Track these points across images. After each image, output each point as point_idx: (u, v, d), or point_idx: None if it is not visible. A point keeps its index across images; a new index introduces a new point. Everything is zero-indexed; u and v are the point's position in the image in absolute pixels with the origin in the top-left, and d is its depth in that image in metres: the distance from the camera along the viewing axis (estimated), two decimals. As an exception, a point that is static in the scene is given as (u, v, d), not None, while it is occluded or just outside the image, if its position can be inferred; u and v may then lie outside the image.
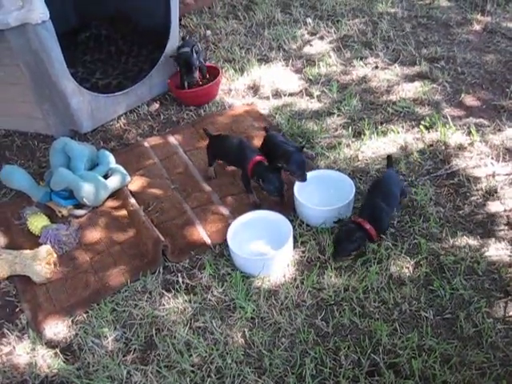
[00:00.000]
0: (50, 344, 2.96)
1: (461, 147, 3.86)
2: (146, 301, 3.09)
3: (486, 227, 3.28)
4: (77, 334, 2.98)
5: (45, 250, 3.33)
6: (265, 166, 3.46)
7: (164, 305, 3.06)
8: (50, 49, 3.83)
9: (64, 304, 3.14)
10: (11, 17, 3.58)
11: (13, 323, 3.09)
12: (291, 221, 3.32)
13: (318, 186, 3.51)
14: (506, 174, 3.61)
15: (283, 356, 2.77)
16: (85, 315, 3.07)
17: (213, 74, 4.63)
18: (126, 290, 3.16)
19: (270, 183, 3.41)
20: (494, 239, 3.20)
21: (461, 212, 3.40)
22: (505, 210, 3.37)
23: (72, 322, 3.05)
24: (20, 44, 3.79)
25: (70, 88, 4.09)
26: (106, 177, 3.76)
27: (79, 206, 3.69)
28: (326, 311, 2.95)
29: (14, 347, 2.97)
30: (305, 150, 3.69)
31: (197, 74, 4.49)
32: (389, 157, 3.56)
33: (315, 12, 5.74)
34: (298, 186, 3.43)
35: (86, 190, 3.59)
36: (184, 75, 4.51)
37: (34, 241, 3.52)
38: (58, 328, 3.03)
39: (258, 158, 3.50)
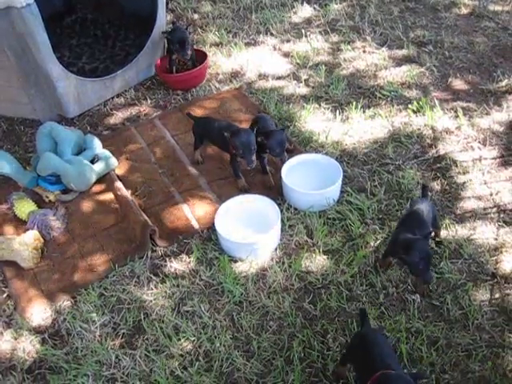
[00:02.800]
0: (38, 329, 2.96)
1: (448, 131, 3.87)
2: (134, 285, 3.09)
3: (473, 211, 3.30)
4: (65, 319, 2.97)
5: (32, 235, 3.32)
6: (249, 131, 3.42)
7: (152, 289, 3.06)
8: (35, 32, 3.77)
9: (52, 289, 3.13)
10: (-5, 0, 3.52)
11: (0, 309, 3.08)
12: (279, 205, 3.32)
13: (305, 170, 3.51)
14: (493, 158, 3.62)
15: (271, 339, 2.78)
16: (73, 300, 3.07)
17: (200, 58, 4.59)
18: (113, 275, 3.16)
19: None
20: (480, 222, 3.22)
21: (447, 196, 3.42)
22: (491, 194, 3.39)
23: (60, 307, 3.04)
24: (4, 27, 3.73)
25: (56, 72, 4.05)
26: (92, 161, 3.73)
27: (66, 190, 3.67)
28: (314, 294, 2.96)
29: (1, 333, 2.97)
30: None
31: (189, 51, 4.43)
32: (424, 187, 3.11)
33: (303, -5, 5.70)
34: (285, 170, 3.43)
35: (73, 175, 3.57)
36: (177, 52, 4.46)
37: (21, 226, 3.51)
38: (45, 313, 3.02)
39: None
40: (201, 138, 3.77)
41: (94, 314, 2.97)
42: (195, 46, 4.78)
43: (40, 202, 3.65)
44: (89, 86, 4.33)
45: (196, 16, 5.55)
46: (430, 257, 2.70)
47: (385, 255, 2.98)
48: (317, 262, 3.10)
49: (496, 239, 3.13)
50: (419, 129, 3.91)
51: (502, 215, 3.25)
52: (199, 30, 5.28)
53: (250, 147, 3.31)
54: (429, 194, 3.18)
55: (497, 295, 2.87)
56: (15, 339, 2.92)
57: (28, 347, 2.88)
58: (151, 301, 3.01)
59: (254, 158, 3.33)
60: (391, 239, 2.95)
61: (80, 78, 4.25)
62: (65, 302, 3.06)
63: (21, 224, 3.52)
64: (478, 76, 4.36)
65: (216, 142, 3.71)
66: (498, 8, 5.18)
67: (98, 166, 3.69)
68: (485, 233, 3.17)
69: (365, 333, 2.49)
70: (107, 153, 3.80)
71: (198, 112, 4.10)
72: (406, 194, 3.42)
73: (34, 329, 2.96)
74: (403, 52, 4.69)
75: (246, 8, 5.58)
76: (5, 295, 3.16)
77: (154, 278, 3.12)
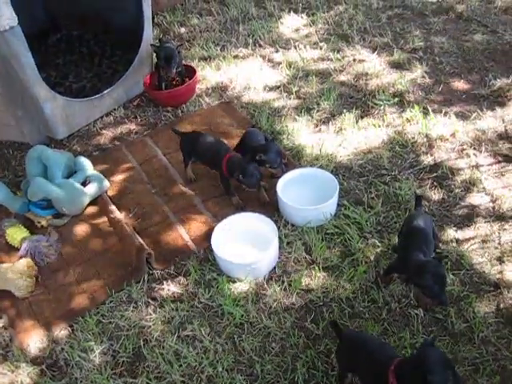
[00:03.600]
0: (36, 361, 2.90)
1: (443, 138, 3.84)
2: (132, 311, 3.03)
3: (472, 219, 3.26)
4: (62, 349, 2.91)
5: (25, 262, 3.26)
6: (240, 159, 3.39)
7: (151, 314, 3.00)
8: (20, 54, 3.72)
9: (48, 318, 3.07)
10: (-22, 24, 3.46)
11: (-5, 340, 3.02)
12: (275, 221, 3.28)
13: (300, 185, 3.46)
14: (489, 165, 3.59)
15: (274, 361, 2.73)
16: (70, 329, 3.01)
17: (189, 73, 4.54)
18: (110, 301, 3.10)
19: (250, 176, 3.32)
20: (480, 231, 3.18)
21: (445, 205, 3.38)
22: (489, 201, 3.35)
23: (57, 336, 2.98)
24: (-12, 50, 3.68)
25: (43, 94, 3.99)
26: (84, 184, 3.67)
27: (58, 215, 3.61)
28: (316, 313, 2.91)
29: (-2, 365, 2.90)
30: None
31: (174, 70, 4.38)
32: (417, 197, 3.09)
33: (290, 5, 5.67)
34: (280, 186, 3.39)
35: (65, 199, 3.51)
36: (162, 69, 4.42)
37: (13, 253, 3.45)
38: (42, 344, 2.96)
39: (232, 154, 3.45)
40: (189, 154, 3.72)
41: (93, 343, 2.91)
42: (183, 61, 4.72)
43: (32, 228, 3.58)
44: (77, 106, 4.27)
45: (183, 30, 5.51)
46: (445, 278, 2.64)
47: (388, 271, 2.92)
48: (317, 279, 3.06)
49: (497, 248, 3.09)
50: (414, 137, 3.87)
51: (502, 223, 3.21)
52: (186, 44, 5.23)
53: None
54: (422, 204, 3.13)
55: (501, 306, 2.82)
56: (12, 372, 2.86)
57: (26, 380, 2.81)
58: (150, 326, 2.95)
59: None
60: (399, 258, 2.88)
61: (67, 98, 4.19)
62: (62, 330, 3.00)
63: (13, 251, 3.46)
64: (470, 81, 4.34)
65: (204, 159, 3.66)
66: (486, 11, 5.15)
67: (90, 189, 3.63)
68: (485, 242, 3.13)
69: None
70: (99, 174, 3.74)
71: (188, 128, 4.05)
72: (404, 206, 3.38)
73: (32, 360, 2.90)
74: (393, 59, 4.66)
75: (233, 20, 5.54)
76: (0, 325, 3.09)
77: (151, 302, 3.06)
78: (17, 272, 3.18)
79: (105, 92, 4.39)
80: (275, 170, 3.47)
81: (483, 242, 3.13)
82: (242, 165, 3.33)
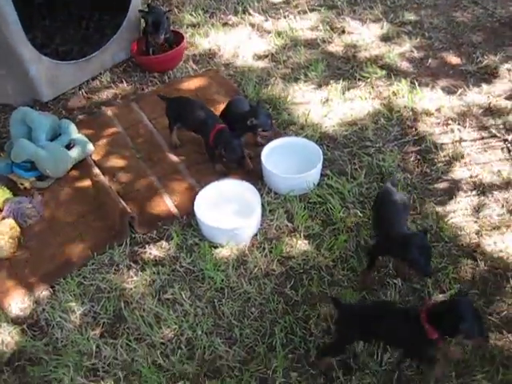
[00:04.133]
0: (17, 320, 2.92)
1: (428, 113, 3.85)
2: (114, 273, 3.05)
3: (453, 193, 3.30)
4: (44, 310, 2.93)
5: (7, 223, 3.26)
6: (228, 134, 3.41)
7: (132, 277, 3.03)
8: (5, 13, 3.67)
9: (29, 279, 3.07)
10: (-37, -20, 3.40)
11: (-23, 300, 3.03)
12: (259, 189, 3.30)
13: (285, 154, 3.47)
14: (472, 140, 3.62)
15: (253, 326, 2.77)
16: (51, 290, 3.03)
17: (177, 39, 4.50)
18: (92, 263, 3.11)
19: (232, 152, 3.36)
20: (460, 205, 3.23)
21: (428, 178, 3.42)
22: (471, 176, 3.39)
23: (38, 297, 2.99)
24: (-27, 9, 3.62)
25: (28, 54, 3.94)
26: (68, 147, 3.65)
27: (42, 177, 3.59)
28: (295, 280, 2.95)
29: (-21, 325, 2.91)
30: None
31: (162, 36, 4.36)
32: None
33: (281, -25, 5.61)
34: (265, 154, 3.40)
35: (49, 161, 3.50)
36: (150, 35, 4.40)
37: (-4, 214, 3.44)
38: (24, 304, 2.98)
39: (220, 126, 3.45)
40: (175, 120, 3.71)
41: (74, 304, 2.93)
42: (171, 27, 4.67)
43: (15, 190, 3.57)
44: (63, 69, 4.23)
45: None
46: (430, 250, 2.65)
47: (373, 253, 2.87)
48: (298, 246, 3.09)
49: (476, 222, 3.13)
50: (399, 111, 3.88)
51: (482, 197, 3.26)
52: (175, 10, 5.17)
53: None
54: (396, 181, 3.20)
55: (477, 277, 2.88)
56: (-7, 331, 2.88)
57: (6, 339, 2.83)
58: (131, 289, 2.97)
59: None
60: (381, 237, 2.88)
61: (53, 60, 4.15)
62: (43, 291, 3.01)
63: (-4, 212, 3.45)
64: (458, 56, 4.34)
65: (190, 126, 3.65)
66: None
67: (74, 152, 3.62)
68: (464, 216, 3.17)
69: None
70: (83, 138, 3.72)
71: (175, 94, 4.01)
72: (387, 177, 3.40)
73: (13, 320, 2.92)
74: (382, 32, 4.65)
75: (222, -13, 5.48)
76: (-19, 285, 3.11)
77: (133, 265, 3.08)
78: (-1, 233, 3.19)
79: (92, 55, 4.34)
80: (267, 132, 3.50)
81: (463, 215, 3.17)
82: (228, 139, 3.36)
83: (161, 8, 4.68)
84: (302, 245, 3.09)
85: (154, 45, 4.46)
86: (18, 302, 2.98)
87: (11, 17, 3.71)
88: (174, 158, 3.66)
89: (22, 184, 3.58)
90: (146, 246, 3.17)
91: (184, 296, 2.91)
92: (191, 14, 5.05)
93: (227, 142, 3.35)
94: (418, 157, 3.56)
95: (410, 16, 4.82)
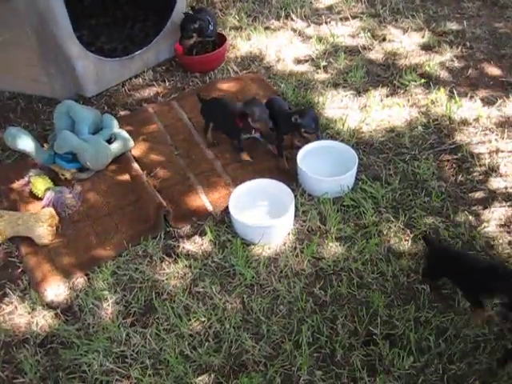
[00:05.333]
0: (51, 305, 3.00)
1: (465, 122, 3.84)
2: (147, 265, 3.12)
3: (487, 203, 3.29)
4: (77, 296, 3.01)
5: (47, 212, 3.35)
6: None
7: (164, 269, 3.09)
8: (56, 11, 3.79)
9: (65, 266, 3.17)
10: (17, -23, 3.54)
11: (15, 283, 3.13)
12: (293, 190, 3.33)
13: (321, 157, 3.51)
14: (510, 151, 3.59)
15: (281, 323, 2.81)
16: (86, 277, 3.11)
17: (220, 41, 4.58)
18: (127, 254, 3.19)
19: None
20: (494, 215, 3.21)
21: (462, 187, 3.41)
22: (506, 188, 3.37)
23: (73, 283, 3.09)
24: (26, 5, 3.75)
25: (76, 51, 4.07)
26: (109, 141, 3.75)
27: (82, 169, 3.69)
28: (325, 280, 2.97)
29: (15, 307, 3.01)
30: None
31: (188, 41, 4.46)
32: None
33: (324, -18, 5.66)
34: (301, 156, 3.44)
35: (90, 154, 3.60)
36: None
37: (37, 203, 3.54)
38: (59, 289, 3.06)
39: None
40: (207, 119, 3.82)
41: (107, 292, 3.01)
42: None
43: (56, 180, 3.67)
44: (107, 65, 4.34)
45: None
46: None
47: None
48: (329, 248, 3.11)
49: (509, 232, 3.11)
50: (437, 119, 3.88)
51: (516, 209, 3.24)
52: (219, 12, 5.26)
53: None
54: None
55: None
56: (29, 313, 2.96)
57: (41, 322, 2.92)
58: (163, 281, 3.04)
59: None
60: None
61: (99, 57, 4.27)
62: (78, 278, 3.10)
63: (37, 201, 3.55)
64: (499, 68, 4.31)
65: (220, 126, 3.78)
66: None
67: (115, 146, 3.71)
68: (498, 226, 3.15)
69: None
70: (124, 133, 3.82)
71: (215, 95, 4.11)
72: (421, 184, 3.41)
73: (48, 304, 3.00)
74: (424, 41, 4.65)
75: (266, -9, 5.55)
76: (19, 270, 3.20)
77: (166, 258, 3.15)
78: (39, 220, 3.28)
79: (135, 54, 4.45)
80: (310, 135, 3.51)
81: (496, 226, 3.16)
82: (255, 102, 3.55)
83: (206, 10, 4.75)
84: (333, 246, 3.12)
85: (197, 45, 4.54)
86: (54, 288, 3.07)
87: (61, 15, 3.84)
88: (211, 155, 3.73)
89: (63, 175, 3.69)
90: (180, 240, 3.23)
91: (214, 290, 2.96)
92: (234, 17, 5.13)
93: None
94: (454, 165, 3.55)
95: (452, 26, 4.80)
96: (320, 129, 3.62)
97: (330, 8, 5.24)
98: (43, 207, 3.46)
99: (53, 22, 3.85)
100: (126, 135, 3.80)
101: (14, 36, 4.03)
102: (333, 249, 3.11)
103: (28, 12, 3.79)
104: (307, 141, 3.54)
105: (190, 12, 4.60)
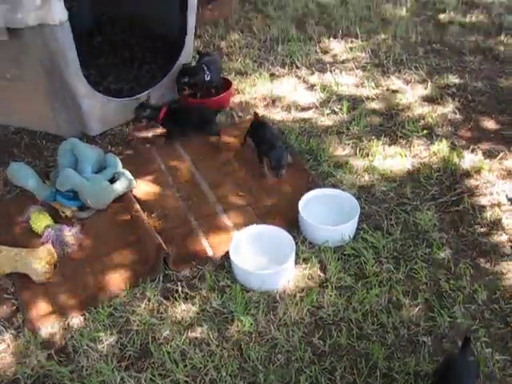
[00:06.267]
0: (45, 344, 2.95)
1: (467, 174, 3.86)
2: (144, 308, 3.08)
3: (489, 256, 3.28)
4: (72, 337, 2.96)
5: (46, 249, 3.33)
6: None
7: (162, 313, 3.05)
8: (66, 50, 3.84)
9: (61, 305, 3.13)
10: (30, 16, 3.58)
11: (9, 321, 3.08)
12: (294, 237, 3.31)
13: (322, 204, 3.51)
14: (512, 205, 3.61)
15: (278, 372, 2.76)
16: (81, 318, 3.06)
17: (225, 85, 4.64)
18: (124, 296, 3.15)
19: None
20: (496, 269, 3.20)
21: (464, 239, 3.40)
22: (508, 241, 3.36)
23: (68, 323, 3.04)
24: (37, 43, 3.79)
25: (83, 90, 4.11)
26: (112, 180, 3.76)
27: (83, 207, 3.68)
28: (324, 330, 2.93)
29: (8, 345, 2.95)
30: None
31: (182, 93, 4.58)
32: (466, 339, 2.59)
33: (329, 31, 5.78)
34: (302, 203, 3.45)
35: (91, 193, 3.60)
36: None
37: (35, 239, 3.52)
38: (53, 329, 3.02)
39: None
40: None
41: (102, 334, 2.96)
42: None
43: (56, 217, 3.65)
44: (113, 105, 4.38)
45: (223, 43, 5.63)
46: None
47: None
48: (329, 297, 3.08)
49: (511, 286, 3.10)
50: (439, 170, 3.91)
51: (518, 263, 3.23)
52: (225, 57, 5.34)
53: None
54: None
55: (509, 344, 2.83)
56: (21, 353, 2.91)
57: (34, 362, 2.86)
58: (160, 324, 2.99)
59: None
60: None
61: (106, 97, 4.30)
62: (73, 318, 3.06)
63: (36, 237, 3.53)
64: (500, 121, 4.36)
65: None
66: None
67: (117, 186, 3.71)
68: (500, 280, 3.13)
69: None
70: (127, 173, 3.82)
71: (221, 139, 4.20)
72: (423, 235, 3.41)
73: (41, 343, 2.95)
74: (426, 92, 4.72)
75: (272, 39, 5.65)
76: (14, 307, 3.16)
77: (164, 301, 3.11)
78: (37, 257, 3.25)
79: (141, 95, 4.49)
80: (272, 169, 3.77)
81: (497, 279, 3.14)
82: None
83: (212, 54, 4.84)
84: (332, 296, 3.09)
85: (191, 95, 4.62)
86: (48, 327, 3.02)
87: (71, 54, 3.88)
88: (212, 198, 3.73)
89: (63, 212, 3.68)
90: (179, 283, 3.20)
91: (211, 336, 2.91)
92: (240, 63, 5.21)
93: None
94: (456, 217, 3.55)
95: (455, 79, 4.88)
96: (281, 171, 3.74)
97: (334, 56, 5.32)
98: (42, 244, 3.43)
99: (62, 61, 3.89)
100: (129, 175, 3.81)
101: (23, 72, 4.07)
102: (332, 298, 3.08)
103: (39, 50, 3.83)
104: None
105: (188, 64, 4.71)
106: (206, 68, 4.49)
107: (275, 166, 3.72)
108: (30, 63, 3.96)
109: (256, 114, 4.13)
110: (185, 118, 4.29)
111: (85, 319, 3.05)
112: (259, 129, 3.99)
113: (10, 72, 4.13)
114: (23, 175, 3.65)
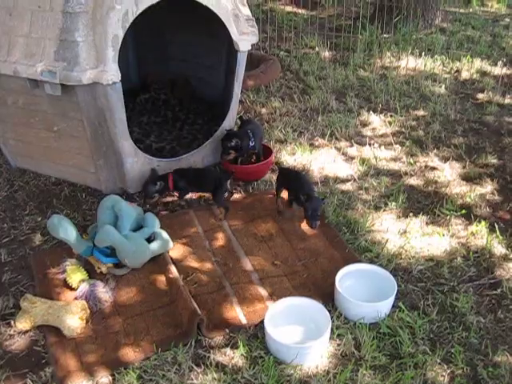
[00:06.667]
0: (73, 403, 2.93)
1: (506, 258, 3.82)
2: (175, 373, 3.04)
3: (528, 343, 3.21)
4: (100, 397, 2.94)
5: (79, 304, 3.34)
6: None
7: (192, 379, 3.01)
8: (115, 109, 3.94)
9: (91, 363, 3.10)
10: (85, 75, 3.70)
11: (37, 374, 3.06)
12: (329, 311, 3.28)
13: (359, 279, 3.49)
14: (552, 292, 3.55)
15: None
16: (110, 378, 3.03)
17: (265, 152, 4.71)
18: (155, 359, 3.12)
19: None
20: (536, 359, 3.12)
21: (502, 325, 3.33)
22: (549, 329, 3.29)
23: (97, 383, 3.01)
24: (87, 100, 3.91)
25: (127, 148, 4.20)
26: (149, 240, 3.79)
27: (119, 265, 3.70)
28: (357, 411, 2.87)
29: (34, 400, 2.94)
30: None
31: (226, 156, 4.59)
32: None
33: (369, 104, 5.87)
34: (339, 278, 3.42)
35: (129, 251, 3.62)
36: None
37: (69, 293, 3.53)
38: (82, 387, 3.00)
39: None
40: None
41: (131, 397, 2.93)
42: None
43: (91, 272, 3.68)
44: (154, 164, 4.45)
45: (264, 110, 5.74)
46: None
47: None
48: (362, 376, 3.02)
49: (552, 379, 3.01)
50: (477, 252, 3.87)
51: (559, 354, 3.14)
52: (266, 124, 5.43)
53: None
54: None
55: None
56: (47, 410, 2.89)
57: (59, 421, 2.84)
58: (190, 391, 2.96)
59: None
60: None
61: (149, 156, 4.39)
62: (103, 378, 3.03)
63: (70, 291, 3.55)
64: (540, 203, 4.35)
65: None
66: None
67: (154, 246, 3.74)
68: (540, 371, 3.06)
69: None
70: (164, 233, 3.85)
71: (257, 206, 4.28)
72: (460, 318, 3.35)
73: (68, 402, 2.93)
74: (465, 171, 4.73)
75: (313, 109, 5.75)
76: (43, 361, 3.15)
77: (195, 368, 3.07)
78: (70, 311, 3.26)
79: (183, 156, 4.57)
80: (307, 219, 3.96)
81: (538, 370, 3.06)
82: None
83: (253, 121, 4.92)
84: (366, 375, 3.03)
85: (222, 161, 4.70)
86: (77, 384, 3.00)
87: (119, 113, 3.98)
88: (248, 266, 3.73)
89: (99, 268, 3.70)
90: (211, 350, 3.16)
91: (241, 408, 2.87)
92: (280, 131, 5.29)
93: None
94: (493, 301, 3.49)
95: (493, 159, 4.89)
96: (316, 222, 3.91)
97: (373, 130, 5.39)
98: (75, 299, 3.45)
99: (110, 119, 4.00)
100: (166, 236, 3.83)
101: (70, 127, 4.18)
102: (366, 377, 3.02)
103: (88, 107, 3.94)
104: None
105: (232, 129, 4.80)
106: (251, 134, 4.57)
107: (311, 216, 3.83)
108: (78, 119, 4.07)
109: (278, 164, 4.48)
110: (196, 180, 4.35)
111: (114, 380, 3.02)
112: (292, 175, 4.21)
113: (58, 125, 4.24)
114: (63, 228, 3.67)
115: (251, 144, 4.58)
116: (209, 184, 4.26)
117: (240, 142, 4.54)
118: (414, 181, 4.63)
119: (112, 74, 3.77)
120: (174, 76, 5.67)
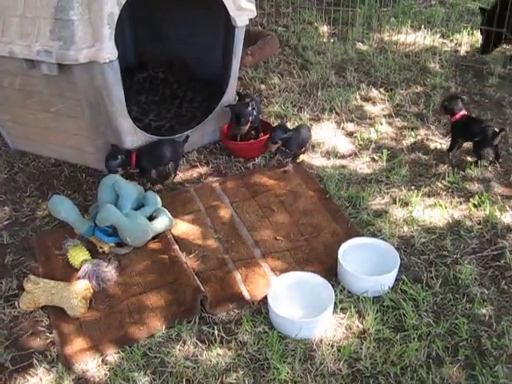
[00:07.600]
0: (78, 381, 2.93)
1: (509, 229, 3.81)
2: (180, 349, 3.05)
3: (532, 315, 3.21)
4: (106, 375, 2.95)
5: (82, 284, 3.34)
6: None
7: (197, 356, 3.02)
8: (112, 87, 3.90)
9: (96, 341, 3.11)
10: (81, 54, 3.65)
11: (43, 354, 3.08)
12: (332, 285, 3.28)
13: (361, 253, 3.48)
14: (556, 262, 3.54)
15: (314, 424, 2.70)
16: (116, 356, 3.04)
17: (265, 129, 4.68)
18: (159, 336, 3.13)
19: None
20: (540, 329, 3.12)
21: (505, 296, 3.33)
22: (552, 299, 3.29)
23: (102, 361, 3.02)
24: (84, 80, 3.86)
25: (126, 127, 4.17)
26: (150, 218, 3.77)
27: (121, 244, 3.70)
28: (362, 383, 2.87)
29: (41, 379, 2.94)
30: None
31: (245, 127, 4.54)
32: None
33: (369, 78, 5.81)
34: (342, 252, 3.41)
35: (131, 230, 3.61)
36: (235, 124, 4.58)
37: (72, 273, 3.54)
38: (87, 365, 3.00)
39: None
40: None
41: (136, 374, 2.93)
42: (260, 117, 4.86)
43: (93, 252, 3.67)
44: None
45: (263, 86, 5.69)
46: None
47: None
48: (367, 349, 3.02)
49: (557, 348, 3.02)
50: (479, 223, 3.86)
51: (563, 324, 3.14)
52: (265, 100, 5.39)
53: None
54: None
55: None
56: (54, 388, 2.90)
57: (66, 399, 2.85)
58: (194, 367, 2.96)
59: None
60: None
61: (148, 135, 4.36)
62: (108, 356, 3.04)
63: (72, 271, 3.55)
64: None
65: None
66: None
67: (156, 224, 3.73)
68: (544, 340, 3.06)
69: None
70: (166, 212, 3.84)
71: (257, 182, 4.22)
72: (463, 290, 3.35)
73: (74, 380, 2.93)
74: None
75: (312, 84, 5.69)
76: (49, 341, 3.16)
77: (200, 344, 3.08)
78: (73, 292, 3.27)
79: (182, 134, 4.54)
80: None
81: (542, 338, 3.07)
82: None
83: (252, 97, 4.87)
84: (371, 348, 3.03)
85: (238, 133, 4.64)
86: (82, 363, 3.01)
87: (117, 91, 3.94)
88: (250, 241, 3.72)
89: (101, 248, 3.69)
90: (215, 326, 3.17)
91: (247, 382, 2.87)
92: (280, 106, 5.25)
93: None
94: (496, 272, 3.49)
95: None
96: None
97: (373, 104, 5.35)
98: (78, 278, 3.45)
99: (108, 98, 3.96)
100: (168, 214, 3.82)
101: (68, 107, 4.14)
102: (371, 350, 3.02)
103: (85, 86, 3.90)
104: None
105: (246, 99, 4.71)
106: (254, 106, 4.54)
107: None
108: (76, 99, 4.03)
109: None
110: (157, 155, 4.28)
111: (119, 357, 3.03)
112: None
113: (56, 106, 4.21)
114: (65, 208, 3.66)
115: (255, 114, 4.58)
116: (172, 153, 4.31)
117: (257, 107, 4.58)
118: (415, 154, 4.60)
119: (109, 52, 3.72)
120: (170, 55, 5.60)
